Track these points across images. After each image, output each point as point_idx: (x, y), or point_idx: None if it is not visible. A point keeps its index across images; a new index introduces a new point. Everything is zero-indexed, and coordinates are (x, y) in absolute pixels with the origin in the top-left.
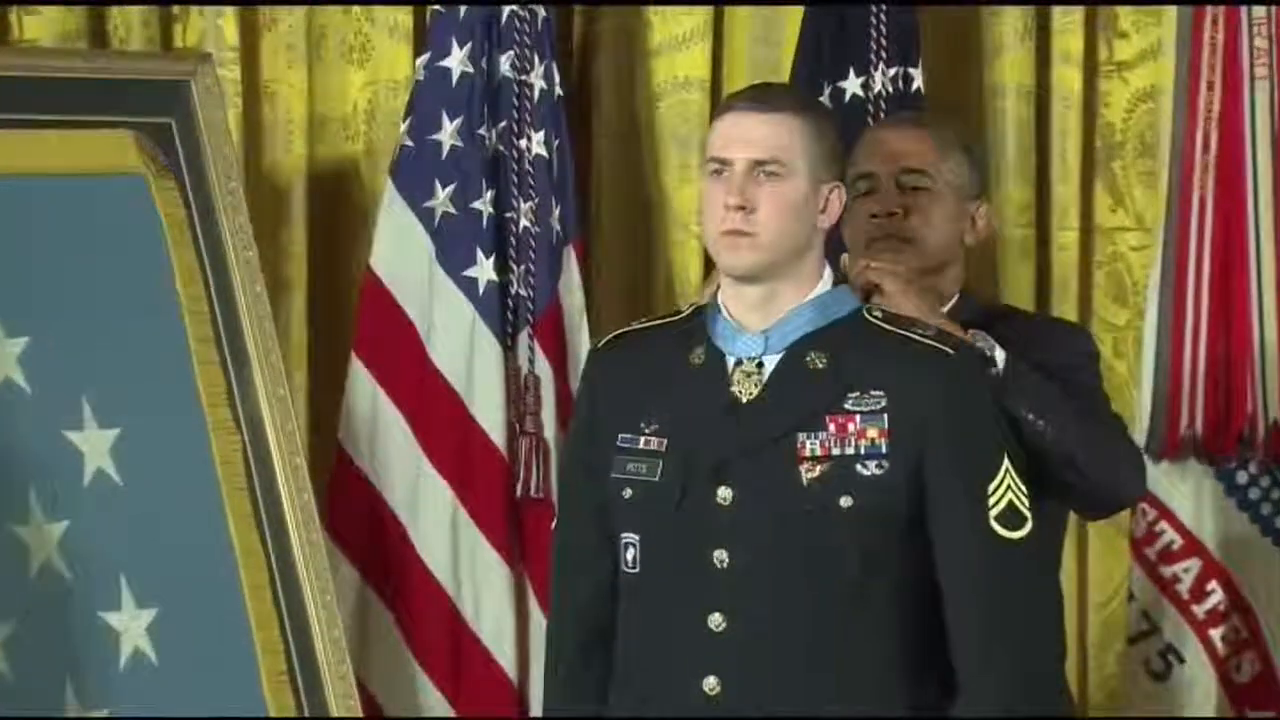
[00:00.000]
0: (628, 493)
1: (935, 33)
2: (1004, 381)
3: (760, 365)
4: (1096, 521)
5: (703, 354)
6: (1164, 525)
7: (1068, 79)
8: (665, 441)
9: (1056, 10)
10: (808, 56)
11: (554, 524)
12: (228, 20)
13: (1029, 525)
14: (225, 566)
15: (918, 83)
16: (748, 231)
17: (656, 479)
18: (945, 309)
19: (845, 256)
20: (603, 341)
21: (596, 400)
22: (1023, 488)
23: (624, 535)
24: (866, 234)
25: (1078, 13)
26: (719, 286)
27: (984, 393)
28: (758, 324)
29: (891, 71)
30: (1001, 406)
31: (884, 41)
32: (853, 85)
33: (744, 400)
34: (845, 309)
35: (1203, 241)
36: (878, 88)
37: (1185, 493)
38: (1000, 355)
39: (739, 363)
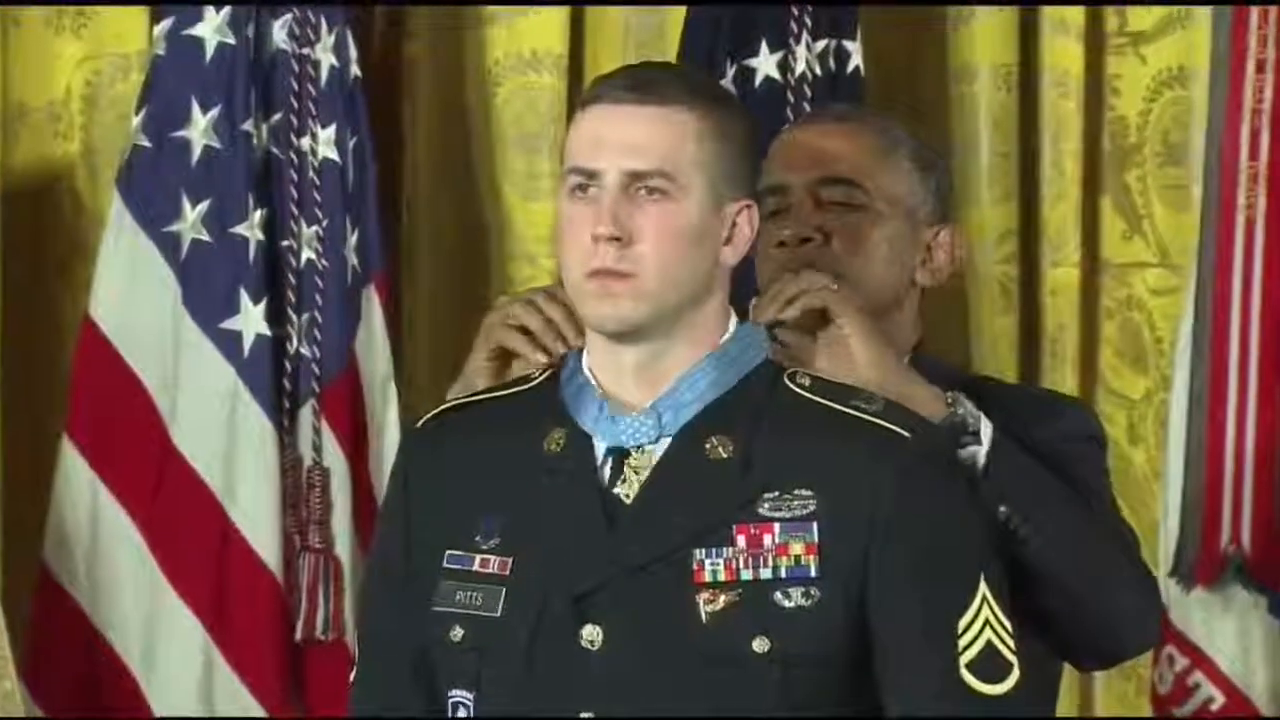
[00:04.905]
0: (457, 633)
1: None
2: (985, 466)
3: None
4: (1089, 672)
5: (562, 437)
6: (1199, 676)
7: (1064, 56)
8: (510, 561)
9: None
10: (704, 25)
11: (352, 678)
12: None
13: (1015, 675)
14: None
15: (856, 61)
16: (624, 272)
17: (497, 614)
18: None
19: (755, 302)
20: (421, 421)
21: (412, 503)
22: (1007, 624)
23: (452, 693)
24: (775, 266)
25: None
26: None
27: (952, 490)
28: (640, 397)
29: (819, 45)
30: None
31: (809, 6)
32: (766, 64)
33: (627, 503)
34: (753, 361)
35: (1250, 281)
36: (800, 67)
37: (1228, 631)
38: (987, 430)
39: (624, 454)
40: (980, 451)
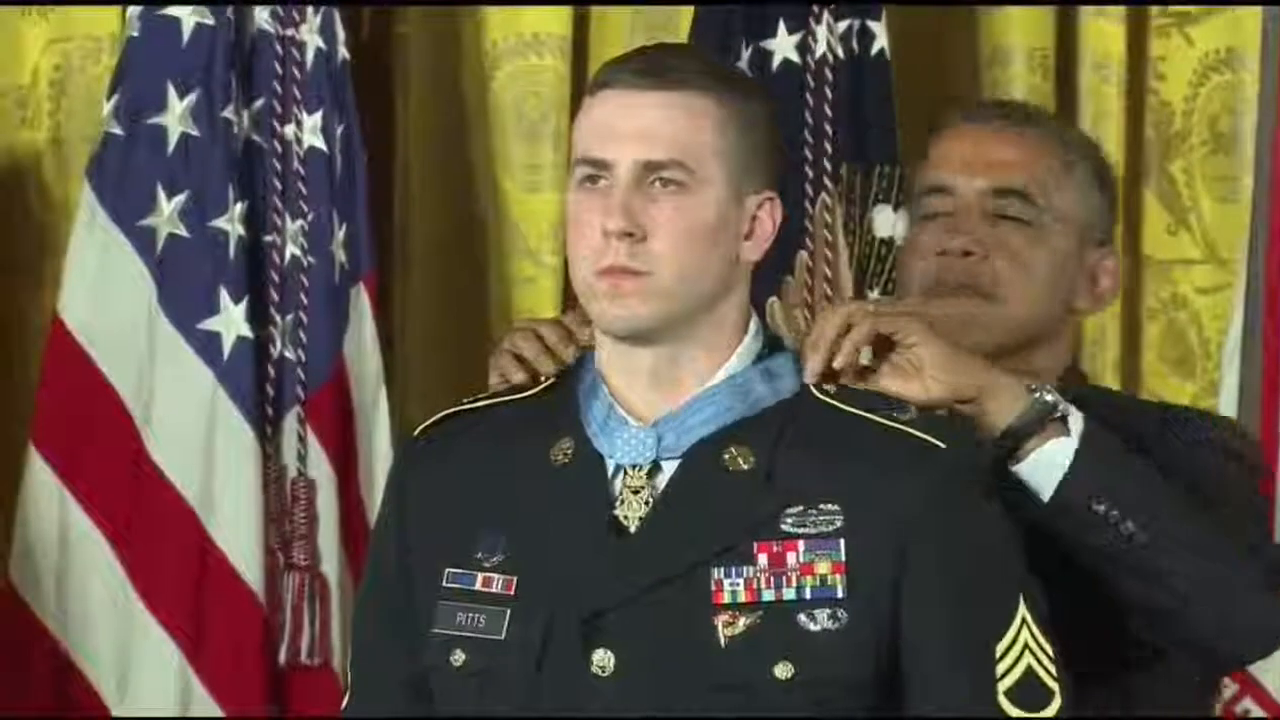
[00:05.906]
0: (458, 657)
1: None
2: (1074, 459)
3: (653, 472)
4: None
5: (570, 447)
6: (1248, 703)
7: (1104, 37)
8: (515, 580)
9: None
10: (718, 4)
11: (344, 706)
12: None
13: (1057, 702)
14: None
15: (881, 42)
16: (638, 270)
17: (501, 637)
18: None
19: (772, 302)
20: (419, 429)
21: (409, 518)
22: (1048, 648)
23: None
24: (930, 275)
25: None
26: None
27: (988, 505)
28: (650, 408)
29: (841, 25)
30: (1023, 516)
31: None
32: (784, 46)
33: (630, 527)
34: (782, 389)
35: None
36: (821, 49)
37: (1278, 654)
38: (1077, 422)
39: (621, 471)
40: (1069, 443)
